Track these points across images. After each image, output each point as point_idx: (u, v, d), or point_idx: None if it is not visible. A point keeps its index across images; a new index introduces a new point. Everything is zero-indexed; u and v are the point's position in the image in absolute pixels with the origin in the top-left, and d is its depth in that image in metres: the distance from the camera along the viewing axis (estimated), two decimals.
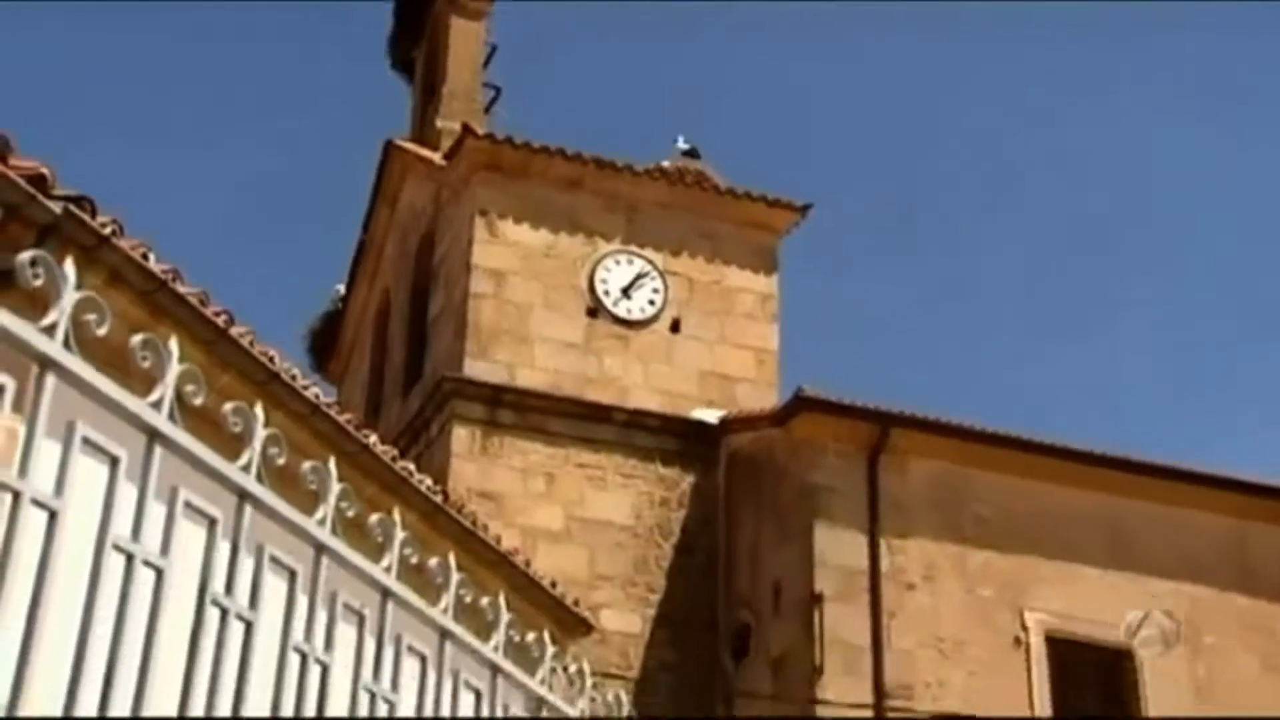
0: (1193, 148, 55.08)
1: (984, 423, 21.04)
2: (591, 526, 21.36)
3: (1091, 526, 20.89)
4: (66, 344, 2.68)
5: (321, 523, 3.47)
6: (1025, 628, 20.21)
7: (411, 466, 14.02)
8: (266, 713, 3.48)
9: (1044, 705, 19.86)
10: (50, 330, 2.66)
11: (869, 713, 19.03)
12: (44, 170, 8.17)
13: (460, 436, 21.33)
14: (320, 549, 3.48)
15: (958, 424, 20.83)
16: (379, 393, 26.13)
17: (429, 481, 14.20)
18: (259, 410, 3.31)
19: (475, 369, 21.81)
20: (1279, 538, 21.82)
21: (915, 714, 19.26)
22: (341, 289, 28.81)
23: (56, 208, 8.15)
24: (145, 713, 3.12)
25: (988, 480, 20.66)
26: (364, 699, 3.87)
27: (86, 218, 8.51)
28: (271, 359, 10.76)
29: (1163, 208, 55.72)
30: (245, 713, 3.36)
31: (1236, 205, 56.01)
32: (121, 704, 3.06)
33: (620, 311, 22.82)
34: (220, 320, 10.02)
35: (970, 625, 20.00)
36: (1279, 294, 56.63)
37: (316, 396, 11.53)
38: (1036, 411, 57.41)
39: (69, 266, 2.69)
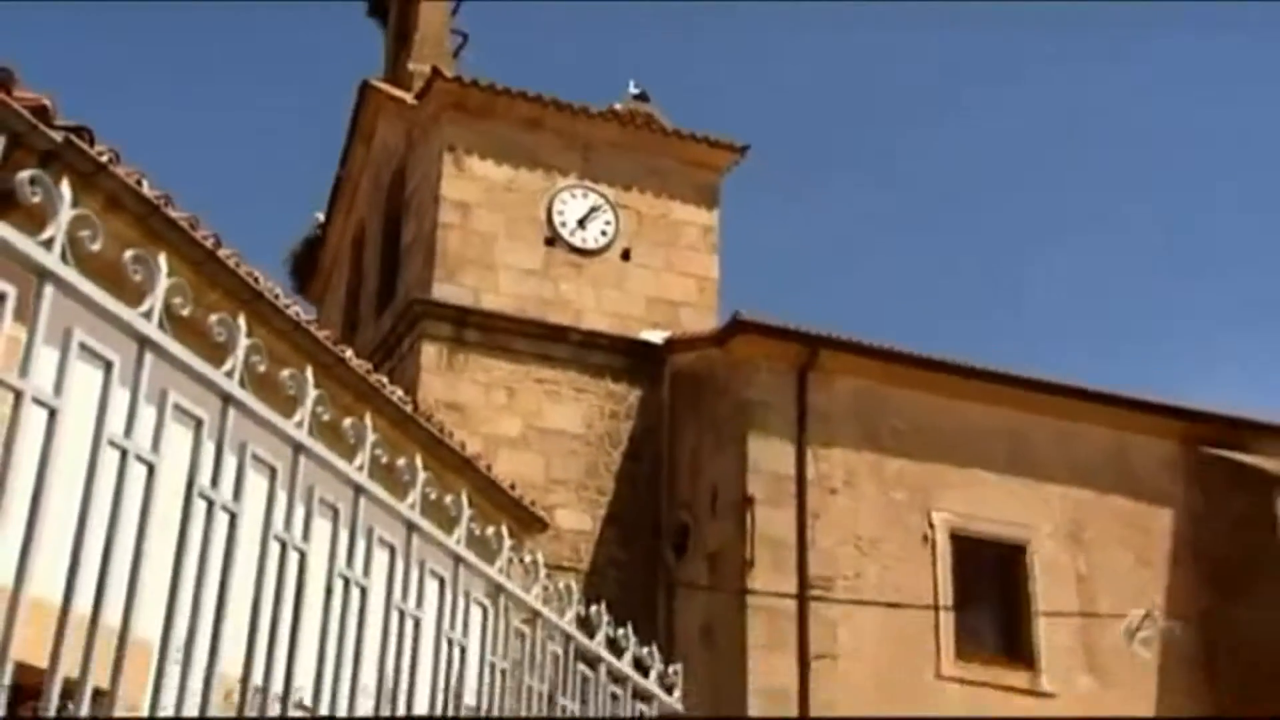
0: (1110, 97, 55.42)
1: (903, 345, 21.18)
2: (548, 435, 21.44)
3: (993, 437, 21.11)
4: (63, 257, 2.65)
5: (299, 425, 3.46)
6: (932, 526, 20.44)
7: (384, 379, 14.02)
8: (249, 592, 3.47)
9: (947, 594, 20.14)
10: (48, 244, 2.63)
11: (793, 602, 19.23)
12: (45, 102, 8.09)
13: (429, 353, 21.36)
14: (298, 448, 3.47)
15: (878, 346, 20.95)
16: (355, 313, 26.08)
17: (400, 393, 14.20)
18: (242, 321, 3.28)
19: (443, 292, 21.83)
20: (1156, 447, 22.21)
21: (834, 600, 19.49)
22: (321, 217, 28.72)
23: (57, 136, 8.07)
24: (138, 596, 3.10)
25: (903, 396, 20.80)
26: (338, 583, 3.87)
27: (85, 146, 8.44)
28: (256, 279, 10.70)
29: (1077, 154, 56.09)
30: (230, 593, 3.34)
31: (1140, 155, 56.45)
32: (117, 587, 3.04)
33: (576, 241, 22.85)
34: (209, 243, 9.96)
35: (884, 525, 20.20)
36: (1167, 237, 57.01)
37: (297, 314, 11.49)
38: (957, 334, 58.01)
39: (65, 186, 2.65)
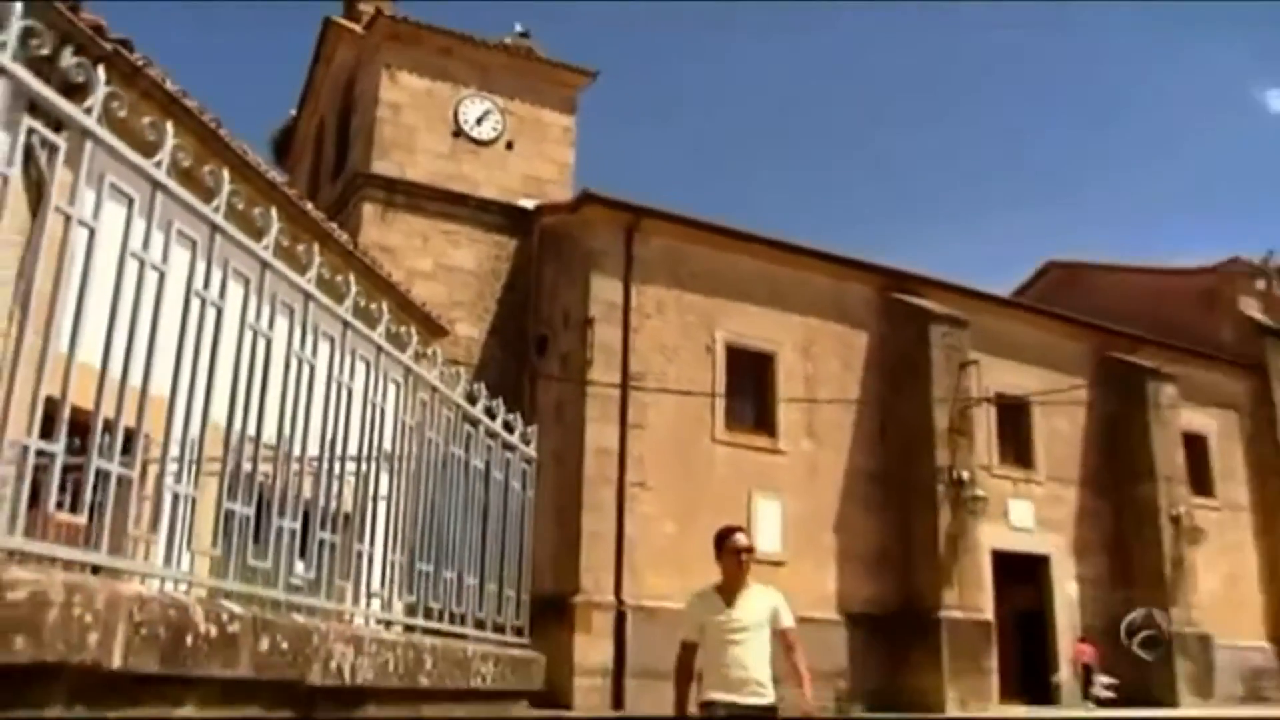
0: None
1: (699, 215, 21.37)
2: (451, 271, 21.35)
3: (756, 281, 21.44)
4: (99, 121, 2.61)
5: (266, 248, 3.43)
6: (714, 341, 20.81)
7: (335, 226, 13.78)
8: (232, 367, 3.47)
9: (721, 386, 20.62)
10: (88, 111, 2.58)
11: (618, 390, 19.52)
12: (101, 21, 7.81)
13: (368, 210, 21.12)
14: (265, 265, 3.44)
15: (681, 215, 21.09)
16: (316, 181, 25.52)
17: (346, 236, 13.98)
18: (226, 174, 3.24)
19: (379, 167, 21.56)
20: (860, 291, 22.88)
21: (646, 389, 19.80)
22: (294, 112, 28.08)
23: (108, 46, 7.80)
24: (155, 363, 3.08)
25: (698, 251, 21.00)
26: (294, 362, 3.87)
27: (127, 53, 8.18)
28: (245, 151, 10.44)
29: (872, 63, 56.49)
30: (218, 366, 3.33)
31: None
32: (139, 357, 3.03)
33: (474, 134, 22.66)
34: (212, 124, 9.69)
35: (682, 339, 20.49)
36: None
37: (273, 178, 11.24)
38: (754, 205, 58.75)
39: (100, 69, 2.60)
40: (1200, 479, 26.98)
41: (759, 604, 5.69)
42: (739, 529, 5.98)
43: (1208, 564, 25.72)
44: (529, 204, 22.17)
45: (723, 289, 21.07)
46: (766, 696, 5.49)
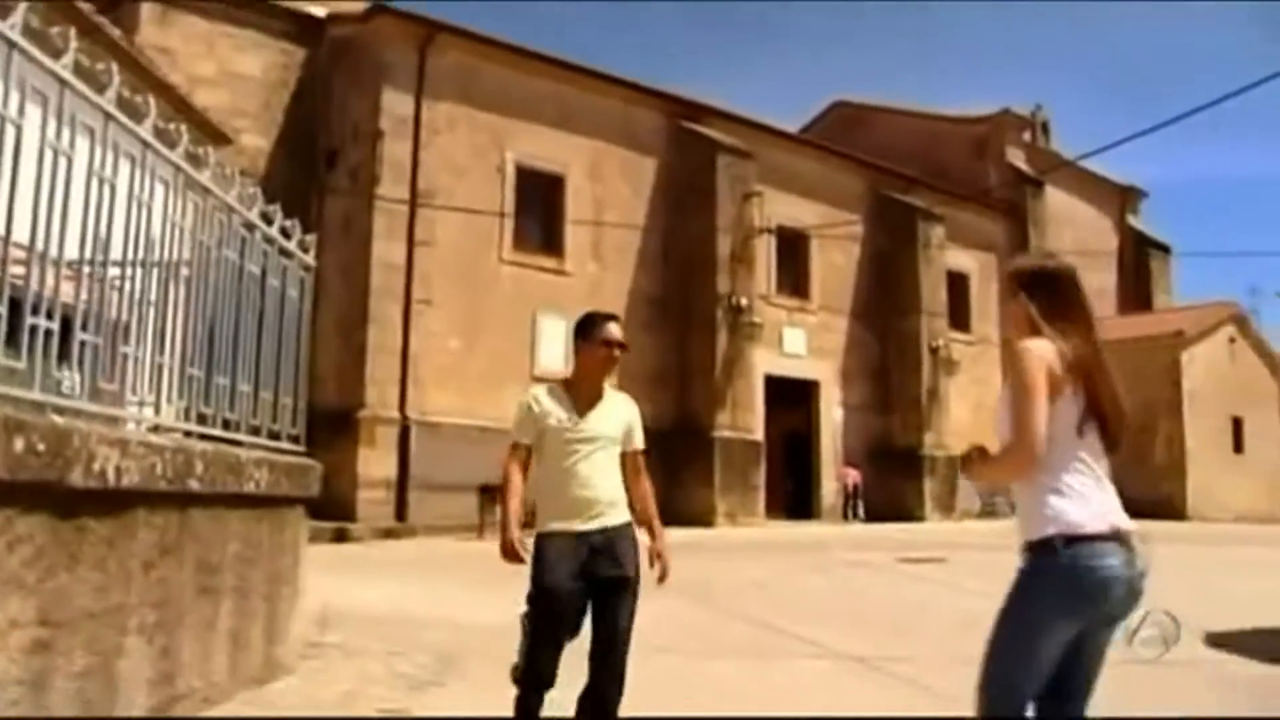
0: None
1: (495, 34, 20.92)
2: (236, 79, 20.28)
3: (548, 102, 21.20)
4: None
5: (13, 26, 3.12)
6: (504, 161, 20.55)
7: (105, 20, 12.82)
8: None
9: (510, 205, 20.50)
10: None
11: (406, 206, 19.17)
12: None
13: (146, 10, 19.76)
14: (11, 45, 3.13)
15: (475, 31, 20.60)
16: None
17: (118, 32, 13.05)
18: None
19: None
20: (650, 118, 22.96)
21: (434, 206, 19.48)
22: None
23: None
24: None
25: (491, 69, 20.57)
26: (48, 156, 3.58)
27: None
28: None
29: None
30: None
31: None
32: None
33: None
34: None
35: (472, 158, 20.19)
36: None
37: None
38: (552, 32, 57.11)
39: None
40: (959, 315, 28.64)
41: (616, 414, 4.58)
42: (614, 316, 4.76)
43: (960, 393, 27.51)
44: (320, 12, 21.10)
45: (514, 109, 20.73)
46: (618, 516, 4.44)
